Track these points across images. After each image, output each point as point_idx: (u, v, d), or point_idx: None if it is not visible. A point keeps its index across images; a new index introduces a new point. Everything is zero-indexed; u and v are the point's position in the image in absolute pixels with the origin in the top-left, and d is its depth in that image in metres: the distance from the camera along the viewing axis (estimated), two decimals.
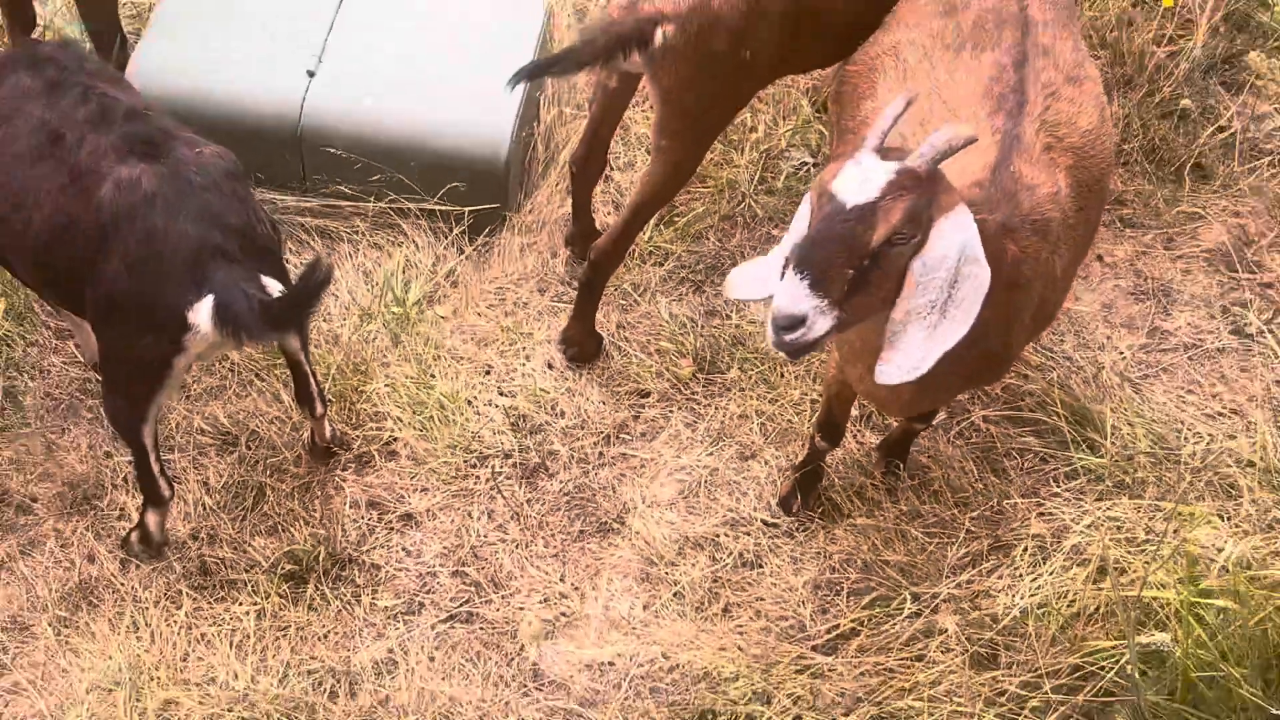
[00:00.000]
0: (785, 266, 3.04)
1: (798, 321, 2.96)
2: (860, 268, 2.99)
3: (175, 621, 4.09)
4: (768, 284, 3.22)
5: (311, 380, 4.19)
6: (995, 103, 3.55)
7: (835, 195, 3.00)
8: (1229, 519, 4.21)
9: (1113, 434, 4.40)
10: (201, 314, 3.53)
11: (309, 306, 3.55)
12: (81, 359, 4.55)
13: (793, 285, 2.96)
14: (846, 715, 3.86)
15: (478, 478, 4.37)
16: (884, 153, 3.06)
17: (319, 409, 4.23)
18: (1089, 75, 3.73)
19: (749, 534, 4.32)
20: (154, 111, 3.89)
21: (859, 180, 2.99)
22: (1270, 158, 5.12)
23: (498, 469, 4.43)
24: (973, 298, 3.09)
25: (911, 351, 3.10)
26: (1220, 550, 4.01)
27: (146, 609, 4.11)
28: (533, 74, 3.99)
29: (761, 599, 4.19)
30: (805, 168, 5.08)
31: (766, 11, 3.89)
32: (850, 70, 3.95)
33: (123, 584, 4.17)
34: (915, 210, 2.97)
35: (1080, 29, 3.90)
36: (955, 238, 3.03)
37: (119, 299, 3.61)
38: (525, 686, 4.02)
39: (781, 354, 3.11)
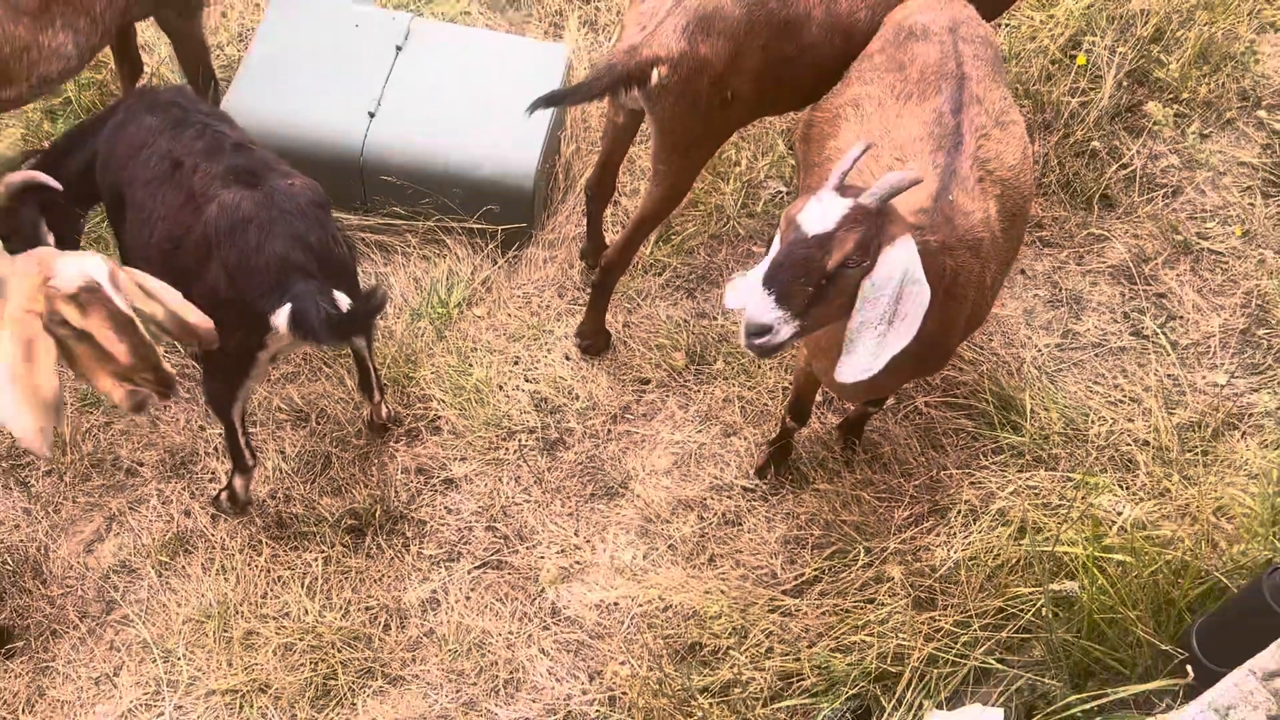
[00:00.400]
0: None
1: (765, 329, 3.02)
2: (819, 285, 3.02)
3: (256, 566, 4.09)
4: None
5: (373, 373, 4.20)
6: (936, 142, 3.55)
7: (799, 225, 3.03)
8: (1127, 488, 4.21)
9: (1032, 417, 4.40)
10: (280, 318, 3.54)
11: (365, 323, 3.64)
12: (180, 349, 4.55)
13: (761, 298, 3.01)
14: (810, 647, 3.86)
15: (507, 449, 4.38)
16: (844, 190, 3.08)
17: (377, 396, 4.24)
18: (1013, 120, 3.73)
19: (730, 497, 4.32)
20: (257, 146, 3.90)
21: (819, 214, 3.02)
22: (1164, 190, 5.11)
23: (524, 442, 4.43)
24: (915, 312, 3.10)
25: (864, 355, 3.12)
26: (1120, 514, 4.01)
27: (232, 556, 4.12)
28: (548, 104, 3.98)
29: (740, 551, 4.20)
30: (780, 195, 5.07)
31: (743, 67, 3.89)
32: (817, 115, 3.96)
33: (213, 535, 4.18)
34: (865, 240, 3.00)
35: (1005, 82, 3.90)
36: (900, 263, 3.05)
37: (218, 300, 3.61)
38: (545, 621, 4.02)
39: (752, 354, 3.19)
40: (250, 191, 3.63)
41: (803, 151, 4.04)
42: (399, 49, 4.94)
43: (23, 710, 3.83)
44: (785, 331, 3.03)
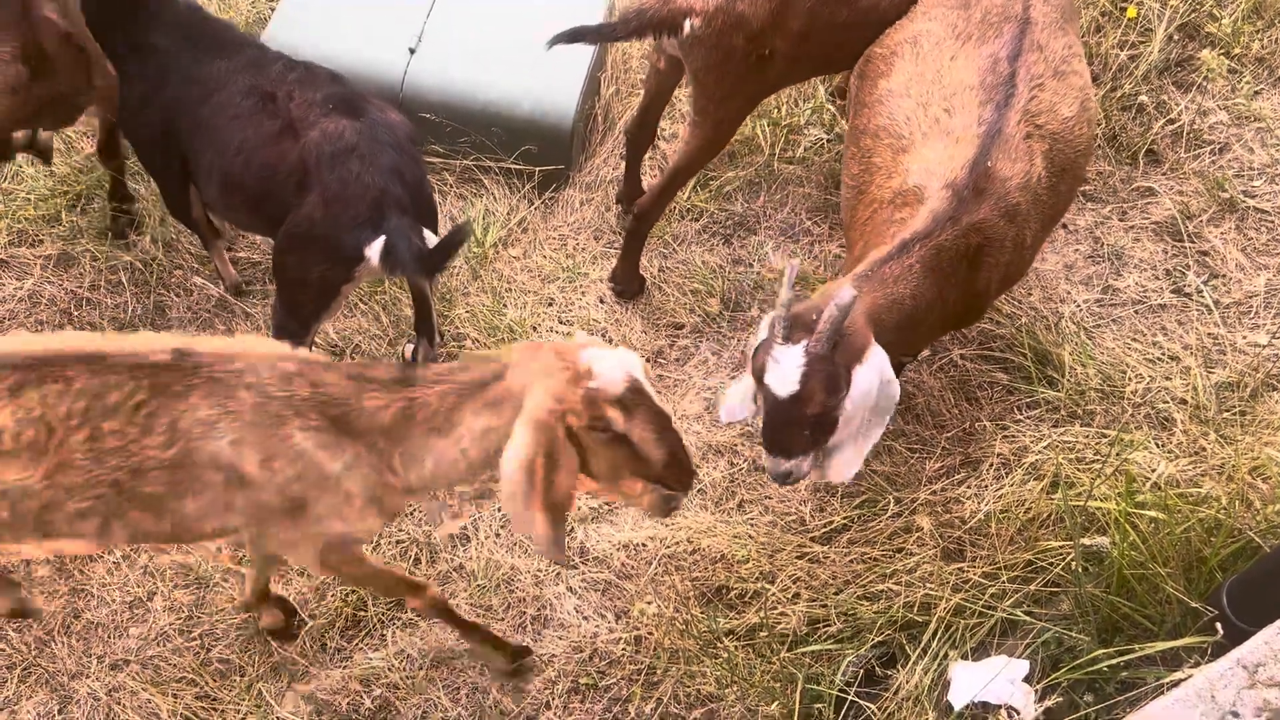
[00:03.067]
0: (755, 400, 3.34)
1: (788, 475, 3.27)
2: (812, 428, 3.18)
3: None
4: (747, 403, 3.41)
5: (433, 313, 4.18)
6: (987, 93, 3.49)
7: (770, 389, 3.14)
8: (1163, 446, 4.17)
9: (1069, 372, 4.35)
10: (374, 250, 3.54)
11: (450, 257, 3.59)
12: (221, 281, 4.57)
13: (771, 460, 3.26)
14: (837, 594, 3.86)
15: None
16: (791, 330, 3.10)
17: (436, 338, 4.21)
18: (1075, 70, 3.64)
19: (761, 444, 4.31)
20: (347, 80, 3.89)
21: (781, 377, 3.10)
22: (1211, 147, 5.02)
23: None
24: (888, 404, 3.27)
25: (850, 457, 3.32)
26: (1154, 471, 3.98)
27: None
28: (571, 39, 3.95)
29: (769, 497, 4.19)
30: (820, 142, 5.01)
31: (785, 27, 3.81)
32: (874, 51, 3.87)
33: None
34: (833, 381, 3.09)
35: (1077, 31, 3.81)
36: (871, 375, 3.16)
37: (313, 228, 3.58)
38: (573, 560, 4.04)
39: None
40: (352, 121, 3.60)
41: (855, 88, 3.96)
42: None
43: (59, 631, 3.89)
44: (805, 466, 3.28)
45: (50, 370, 2.63)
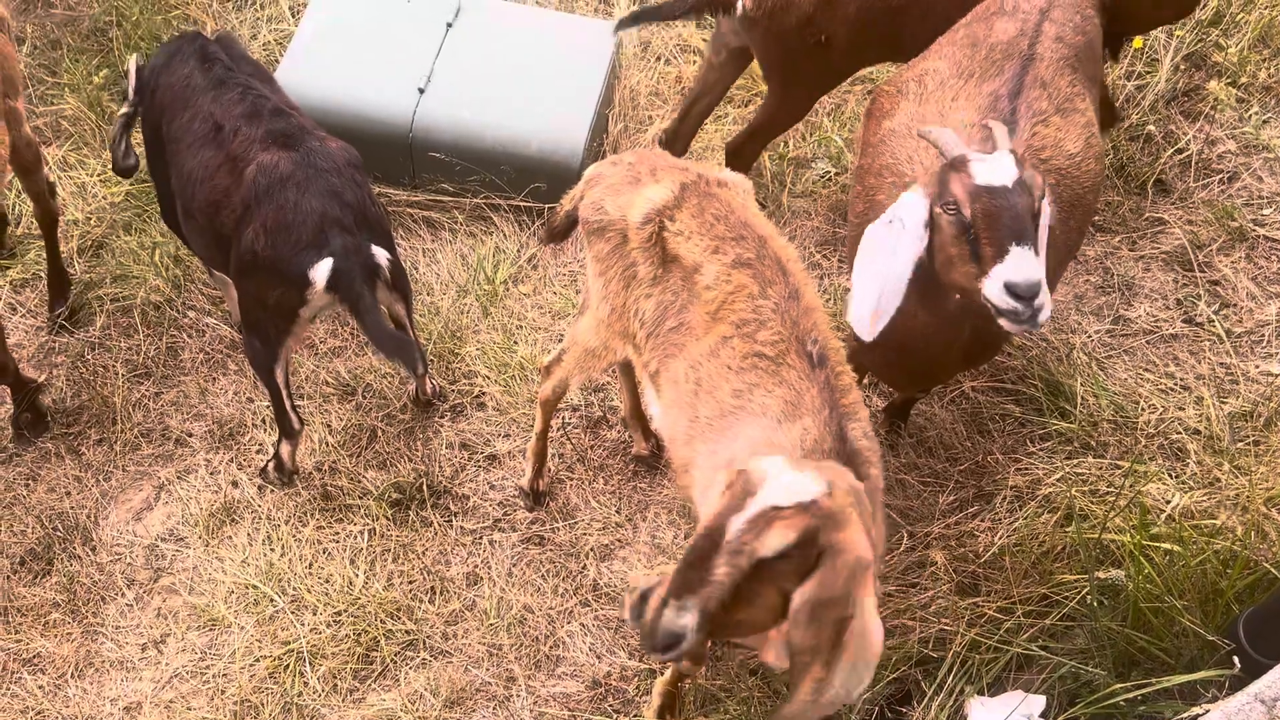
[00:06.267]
0: None
1: (1039, 288, 2.93)
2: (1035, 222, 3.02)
3: (301, 537, 4.14)
4: (894, 285, 3.15)
5: (415, 339, 4.22)
6: (987, 130, 3.50)
7: (990, 185, 2.98)
8: (1177, 477, 4.16)
9: (1081, 403, 4.36)
10: (319, 272, 3.64)
11: (398, 279, 3.88)
12: (230, 322, 4.60)
13: (1021, 260, 2.93)
14: None
15: (550, 427, 4.38)
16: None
17: (419, 368, 4.25)
18: (1079, 109, 3.64)
19: None
20: (295, 110, 4.00)
21: (999, 168, 2.97)
22: (1220, 176, 5.03)
23: (567, 420, 4.44)
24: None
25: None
26: (1168, 502, 3.98)
27: (279, 526, 4.16)
28: (633, 21, 4.03)
29: None
30: (828, 175, 5.04)
31: (837, 12, 3.81)
32: (883, 89, 3.89)
33: (260, 506, 4.22)
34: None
35: (1091, 77, 3.79)
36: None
37: (257, 256, 3.69)
38: (585, 598, 4.04)
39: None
40: (288, 152, 3.73)
41: (862, 127, 3.98)
42: (449, 25, 4.95)
43: (71, 675, 3.90)
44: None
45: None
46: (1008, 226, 2.93)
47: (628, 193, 3.34)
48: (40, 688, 3.87)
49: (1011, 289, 2.90)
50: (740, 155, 4.58)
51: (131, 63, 4.22)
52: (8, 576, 4.08)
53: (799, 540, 2.43)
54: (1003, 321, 2.95)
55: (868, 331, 3.11)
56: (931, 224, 3.08)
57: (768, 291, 3.05)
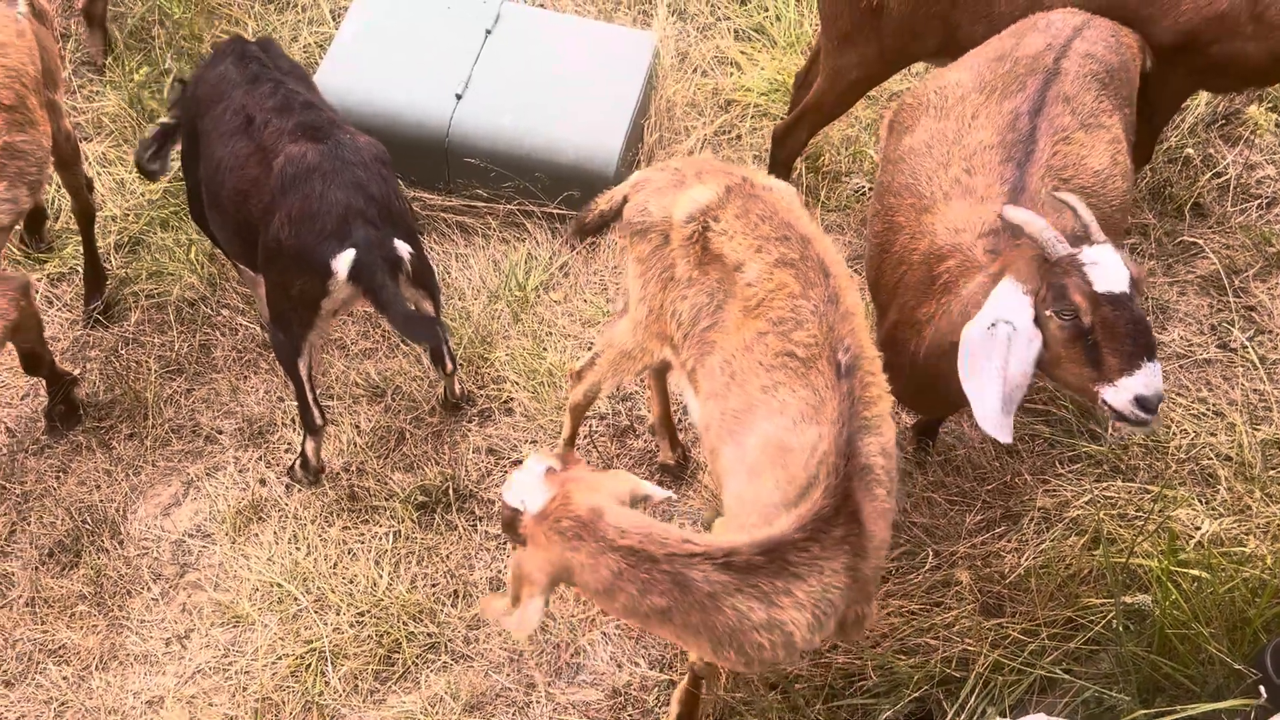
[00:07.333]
0: None
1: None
2: None
3: (327, 537, 4.16)
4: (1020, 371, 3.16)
5: (444, 345, 4.24)
6: (1006, 151, 3.47)
7: (1109, 290, 2.99)
8: (1207, 503, 4.14)
9: (1112, 426, 4.33)
10: (341, 263, 3.66)
11: (422, 272, 3.91)
12: (259, 320, 4.63)
13: (1151, 373, 3.00)
14: (874, 646, 3.84)
15: (577, 434, 4.39)
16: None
17: (449, 366, 4.27)
18: (1105, 125, 3.61)
19: None
20: (326, 106, 4.07)
21: (1113, 272, 3.00)
22: (1259, 201, 5.00)
23: (594, 428, 4.45)
24: None
25: None
26: (1198, 528, 3.95)
27: (305, 525, 4.19)
28: None
29: None
30: (863, 190, 5.03)
31: None
32: (905, 101, 3.87)
33: (286, 504, 4.25)
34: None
35: (1124, 98, 3.74)
36: None
37: (281, 245, 3.73)
38: None
39: None
40: (316, 144, 3.77)
41: (884, 138, 3.97)
42: (488, 32, 4.98)
43: (96, 667, 3.94)
44: None
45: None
46: (1138, 340, 2.95)
47: (672, 194, 3.37)
48: (65, 679, 3.91)
49: (1143, 403, 2.95)
50: (786, 140, 4.62)
51: (172, 79, 4.27)
52: (36, 567, 4.12)
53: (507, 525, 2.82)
54: (1118, 424, 3.03)
55: (1005, 434, 3.10)
56: (1038, 322, 3.07)
57: (809, 293, 3.07)
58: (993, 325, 3.05)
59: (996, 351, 3.04)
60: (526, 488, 2.76)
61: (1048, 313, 3.02)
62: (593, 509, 2.67)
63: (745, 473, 3.05)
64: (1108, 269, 2.97)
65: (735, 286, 3.17)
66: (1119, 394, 2.96)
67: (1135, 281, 2.99)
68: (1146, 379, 2.94)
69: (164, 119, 4.28)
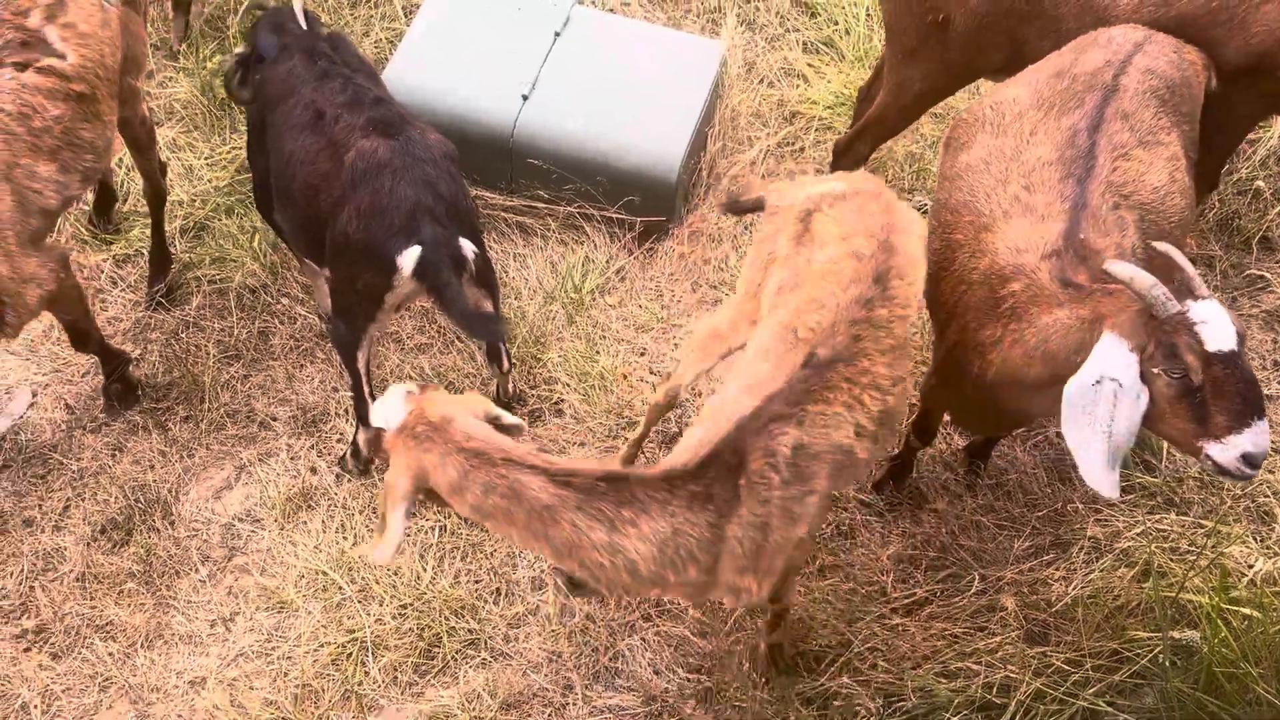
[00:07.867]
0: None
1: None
2: None
3: (374, 528, 4.19)
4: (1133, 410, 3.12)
5: (501, 343, 4.27)
6: (1066, 168, 3.43)
7: (1220, 348, 2.96)
8: (1261, 541, 4.07)
9: (1167, 458, 4.28)
10: (407, 259, 3.69)
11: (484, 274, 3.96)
12: (317, 311, 4.68)
13: (1259, 431, 2.98)
14: (915, 668, 3.82)
15: (625, 439, 4.40)
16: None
17: (505, 365, 4.30)
18: (1164, 142, 3.56)
19: (846, 509, 4.29)
20: (395, 101, 4.10)
21: (1223, 329, 2.97)
22: None
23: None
24: None
25: None
26: (1251, 566, 3.89)
27: (352, 515, 4.23)
28: None
29: (852, 565, 4.16)
30: (924, 208, 5.00)
31: None
32: (961, 118, 3.85)
33: (335, 494, 4.29)
34: None
35: (1185, 114, 3.70)
36: None
37: (349, 239, 3.77)
38: (647, 612, 4.04)
39: None
40: (387, 140, 3.79)
41: (941, 156, 3.94)
42: (557, 34, 5.01)
43: (141, 645, 3.99)
44: None
45: None
46: (1248, 399, 2.94)
47: (809, 185, 3.52)
48: (110, 654, 3.96)
49: (1250, 460, 2.95)
50: (847, 153, 4.62)
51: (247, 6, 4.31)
52: (88, 544, 4.19)
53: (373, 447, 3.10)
54: (1223, 478, 3.06)
55: (1112, 490, 3.09)
56: (1143, 378, 3.04)
57: (849, 287, 3.13)
58: (1098, 382, 3.03)
59: (1102, 408, 3.03)
60: (389, 409, 2.99)
61: (1155, 370, 3.00)
62: (444, 416, 2.90)
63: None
64: (1217, 327, 2.95)
65: (811, 262, 3.26)
66: (1226, 451, 2.96)
67: (1242, 337, 2.97)
68: (1255, 437, 2.93)
69: (239, 50, 4.33)
